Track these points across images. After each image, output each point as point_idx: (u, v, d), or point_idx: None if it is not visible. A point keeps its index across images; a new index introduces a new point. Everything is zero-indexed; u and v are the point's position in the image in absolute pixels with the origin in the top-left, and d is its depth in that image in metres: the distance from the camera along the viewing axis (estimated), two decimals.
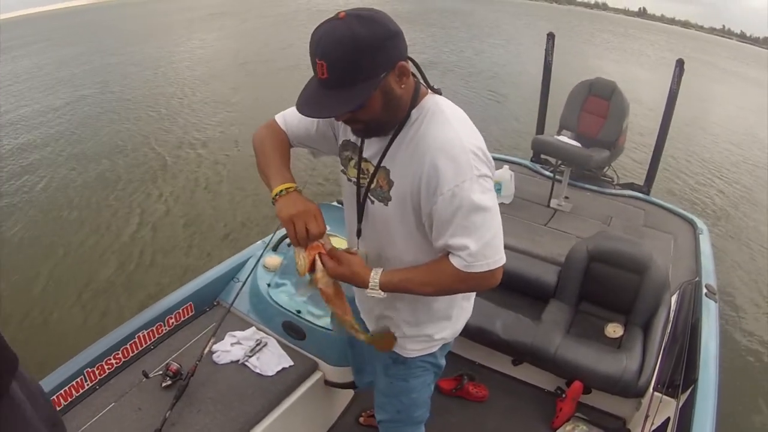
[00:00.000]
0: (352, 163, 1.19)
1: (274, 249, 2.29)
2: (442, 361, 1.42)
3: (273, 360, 1.92)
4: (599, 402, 2.24)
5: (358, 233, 1.23)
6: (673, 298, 2.38)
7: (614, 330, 2.28)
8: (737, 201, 6.36)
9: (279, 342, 2.01)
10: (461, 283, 1.09)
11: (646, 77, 13.33)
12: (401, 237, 1.15)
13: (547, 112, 4.00)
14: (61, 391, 1.65)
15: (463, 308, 1.34)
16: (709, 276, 2.57)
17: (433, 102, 1.08)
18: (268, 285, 2.09)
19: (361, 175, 1.17)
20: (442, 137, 1.02)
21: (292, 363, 1.93)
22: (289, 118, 1.25)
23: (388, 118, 1.05)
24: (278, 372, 1.89)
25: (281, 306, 1.99)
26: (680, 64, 3.16)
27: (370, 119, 1.03)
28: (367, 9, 0.96)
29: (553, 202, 3.36)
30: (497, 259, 1.05)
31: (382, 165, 1.11)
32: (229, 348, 1.96)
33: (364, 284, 1.12)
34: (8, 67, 11.77)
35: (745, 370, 3.43)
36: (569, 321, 2.33)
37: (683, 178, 6.82)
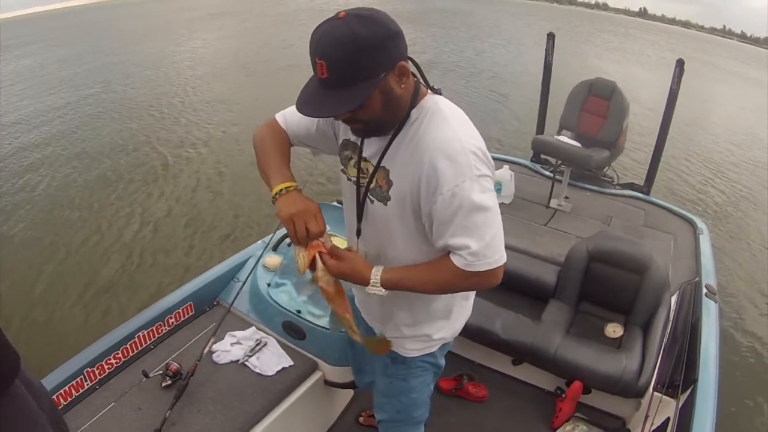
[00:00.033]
0: (352, 162, 1.19)
1: (274, 249, 2.29)
2: (442, 361, 1.42)
3: (273, 360, 1.92)
4: (599, 402, 2.24)
5: (358, 233, 1.23)
6: (673, 298, 2.38)
7: (614, 330, 2.28)
8: (737, 201, 6.36)
9: (279, 342, 2.01)
10: (462, 281, 1.09)
11: (646, 77, 13.33)
12: (400, 237, 1.15)
13: (548, 112, 4.00)
14: (61, 391, 1.65)
15: (462, 308, 1.34)
16: (709, 276, 2.57)
17: (432, 102, 1.08)
18: (268, 285, 2.09)
19: (361, 175, 1.17)
20: (441, 137, 1.02)
21: (292, 363, 1.93)
22: (290, 117, 1.25)
23: (388, 118, 1.05)
24: (278, 372, 1.89)
25: (281, 306, 1.99)
26: (680, 64, 3.16)
27: (369, 119, 1.03)
28: (368, 9, 0.96)
29: (553, 202, 3.36)
30: (498, 258, 1.05)
31: (381, 165, 1.11)
32: (229, 348, 1.96)
33: (365, 281, 1.12)
34: (9, 66, 11.78)
35: (745, 370, 3.43)
36: (569, 321, 2.33)
37: (684, 177, 6.82)
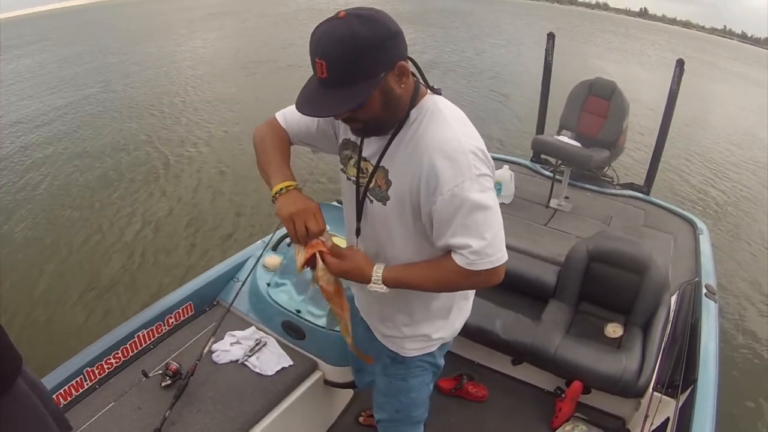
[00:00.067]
0: (352, 162, 1.19)
1: (274, 248, 2.29)
2: (441, 361, 1.42)
3: (272, 359, 1.92)
4: (599, 402, 2.24)
5: (357, 232, 1.23)
6: (673, 298, 2.38)
7: (614, 330, 2.28)
8: (738, 201, 6.36)
9: (279, 342, 2.01)
10: (464, 280, 1.09)
11: (647, 77, 13.34)
12: (400, 236, 1.15)
13: (548, 112, 4.00)
14: (61, 391, 1.66)
15: (461, 308, 1.34)
16: (708, 276, 2.57)
17: (432, 102, 1.08)
18: (268, 284, 2.09)
19: (361, 175, 1.17)
20: (440, 137, 1.02)
21: (291, 363, 1.93)
22: (290, 115, 1.25)
23: (388, 118, 1.05)
24: (278, 372, 1.89)
25: (281, 305, 1.99)
26: (680, 64, 3.16)
27: (369, 118, 1.03)
28: (368, 8, 0.95)
29: (553, 202, 3.36)
30: (500, 256, 1.06)
31: (380, 165, 1.11)
32: (228, 347, 1.96)
33: (367, 279, 1.12)
34: (9, 66, 11.78)
35: (745, 370, 3.43)
36: (569, 321, 2.33)
37: (685, 177, 6.82)
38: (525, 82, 10.30)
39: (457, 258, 1.06)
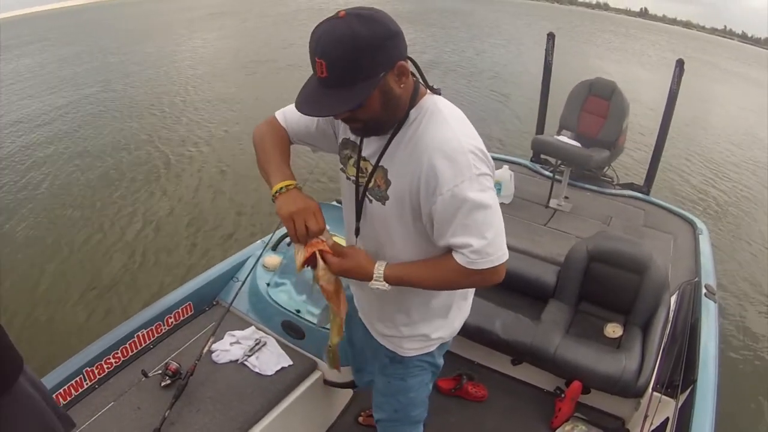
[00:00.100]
0: (351, 161, 1.19)
1: (274, 248, 2.29)
2: (440, 361, 1.42)
3: (272, 359, 1.92)
4: (598, 402, 2.24)
5: (357, 232, 1.23)
6: (673, 298, 2.38)
7: (613, 330, 2.28)
8: (738, 201, 6.36)
9: (278, 341, 2.01)
10: (465, 278, 1.10)
11: (647, 77, 13.34)
12: (399, 236, 1.15)
13: (548, 112, 4.00)
14: (60, 390, 1.66)
15: (460, 308, 1.34)
16: (708, 276, 2.57)
17: (431, 102, 1.08)
18: (268, 284, 2.09)
19: (360, 174, 1.17)
20: (440, 137, 1.02)
21: (291, 362, 1.93)
22: (289, 115, 1.25)
23: (387, 118, 1.05)
24: (277, 371, 1.89)
25: (280, 305, 1.99)
26: (680, 64, 3.16)
27: (368, 118, 1.03)
28: (368, 8, 0.95)
29: (553, 202, 3.36)
30: (500, 255, 1.06)
31: (380, 164, 1.11)
32: (228, 347, 1.96)
33: (368, 277, 1.12)
34: (9, 66, 11.79)
35: (744, 370, 3.43)
36: (569, 321, 2.33)
37: (685, 177, 6.82)
38: (525, 82, 10.31)
39: (458, 257, 1.06)
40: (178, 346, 1.97)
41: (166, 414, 1.62)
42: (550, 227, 3.12)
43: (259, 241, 2.42)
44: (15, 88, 9.82)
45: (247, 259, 2.31)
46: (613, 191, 3.61)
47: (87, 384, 1.74)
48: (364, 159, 1.15)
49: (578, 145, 3.42)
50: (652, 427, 1.79)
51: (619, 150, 3.63)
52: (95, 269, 4.13)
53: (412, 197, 1.07)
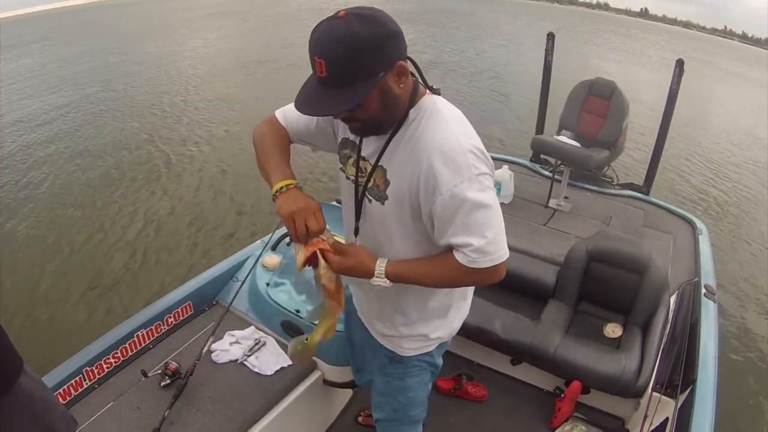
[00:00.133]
0: (351, 161, 1.19)
1: (273, 248, 2.29)
2: (439, 361, 1.43)
3: (272, 359, 1.92)
4: (598, 402, 2.23)
5: (356, 231, 1.23)
6: (672, 299, 2.38)
7: (613, 330, 2.28)
8: (738, 201, 6.36)
9: (278, 341, 2.01)
10: (466, 277, 1.10)
11: (647, 77, 13.34)
12: (398, 236, 1.15)
13: (548, 112, 4.00)
14: (60, 390, 1.66)
15: (459, 308, 1.34)
16: (708, 276, 2.57)
17: (431, 102, 1.08)
18: (267, 284, 2.09)
19: (359, 174, 1.17)
20: (439, 137, 1.02)
21: (290, 362, 1.93)
22: (289, 114, 1.25)
23: (386, 118, 1.05)
24: (277, 371, 1.89)
25: (280, 305, 1.99)
26: (680, 64, 3.16)
27: (368, 118, 1.03)
28: (368, 8, 0.95)
29: (553, 202, 3.36)
30: (501, 254, 1.06)
31: (379, 164, 1.11)
32: (228, 347, 1.96)
33: (370, 274, 1.13)
34: (10, 65, 11.79)
35: (744, 370, 3.43)
36: (568, 321, 2.33)
37: (686, 177, 6.82)
38: (525, 82, 10.31)
39: (458, 256, 1.06)
40: (178, 346, 1.97)
41: (166, 414, 1.62)
42: (550, 227, 3.12)
43: (258, 241, 2.42)
44: (15, 87, 9.83)
45: (247, 258, 2.31)
46: (613, 191, 3.61)
47: (87, 384, 1.74)
48: (364, 159, 1.15)
49: (578, 145, 3.42)
50: (652, 427, 1.79)
51: (619, 150, 3.63)
52: (96, 269, 4.13)
53: (412, 197, 1.07)
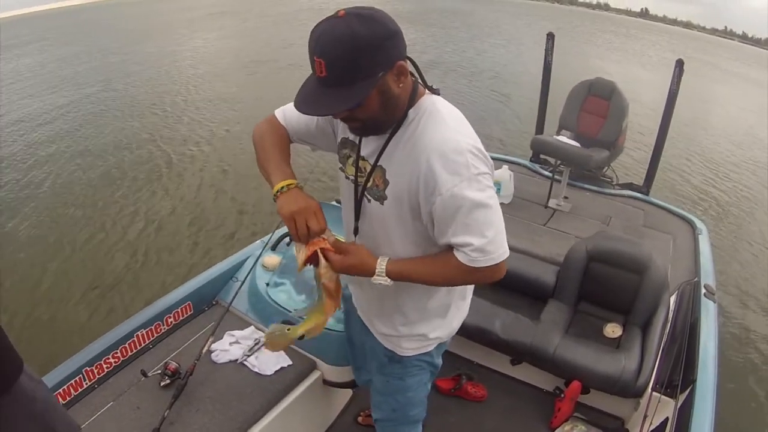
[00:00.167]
0: (350, 160, 1.20)
1: (273, 248, 2.29)
2: (438, 360, 1.43)
3: (271, 359, 1.92)
4: (598, 402, 2.24)
5: (355, 231, 1.23)
6: (672, 299, 2.38)
7: (613, 330, 2.28)
8: (739, 201, 6.36)
9: None
10: (466, 275, 1.10)
11: (647, 78, 13.35)
12: (397, 236, 1.15)
13: (547, 112, 4.00)
14: (60, 390, 1.65)
15: (458, 307, 1.34)
16: (708, 276, 2.57)
17: (430, 102, 1.08)
18: (267, 284, 2.09)
19: (359, 174, 1.17)
20: (439, 137, 1.02)
21: (290, 362, 1.93)
22: (289, 113, 1.25)
23: (386, 117, 1.05)
24: (277, 371, 1.89)
25: (280, 305, 1.99)
26: (680, 64, 3.16)
27: (367, 118, 1.03)
28: (367, 8, 0.95)
29: (552, 202, 3.36)
30: (501, 253, 1.06)
31: (378, 164, 1.11)
32: (227, 347, 1.95)
33: (370, 272, 1.13)
34: (10, 65, 11.79)
35: (744, 370, 3.43)
36: (568, 321, 2.33)
37: (686, 177, 6.83)
38: (525, 82, 10.31)
39: (459, 255, 1.06)
40: (178, 346, 1.96)
41: (166, 414, 1.62)
42: (550, 227, 3.12)
43: (258, 241, 2.42)
44: (16, 87, 9.82)
45: (247, 258, 2.31)
46: (613, 191, 3.61)
47: (86, 384, 1.74)
48: (363, 158, 1.15)
49: (578, 145, 3.42)
50: (652, 427, 1.79)
51: (619, 150, 3.63)
52: (97, 268, 4.13)
53: (411, 197, 1.07)
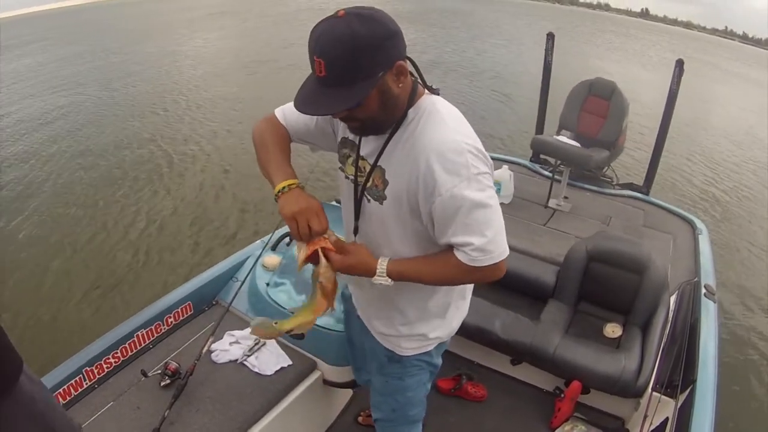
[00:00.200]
0: (350, 160, 1.20)
1: (273, 248, 2.29)
2: (438, 360, 1.42)
3: (272, 359, 1.92)
4: (598, 402, 2.23)
5: (355, 231, 1.23)
6: (672, 299, 2.38)
7: (613, 330, 2.28)
8: (740, 201, 6.36)
9: (278, 341, 2.01)
10: (467, 275, 1.11)
11: (648, 78, 13.35)
12: (397, 236, 1.16)
13: (547, 111, 4.00)
14: (60, 390, 1.65)
15: (458, 307, 1.34)
16: (708, 276, 2.57)
17: (429, 102, 1.08)
18: (267, 284, 2.09)
19: (359, 173, 1.17)
20: (438, 138, 1.02)
21: (290, 362, 1.93)
22: (289, 112, 1.25)
23: (385, 117, 1.05)
24: (277, 371, 1.89)
25: (280, 305, 1.99)
26: (680, 64, 3.16)
27: (366, 118, 1.03)
28: (367, 7, 0.95)
29: (552, 202, 3.36)
30: (501, 252, 1.06)
31: (378, 164, 1.11)
32: (227, 347, 1.96)
33: (371, 272, 1.13)
34: (10, 65, 11.80)
35: (744, 370, 3.43)
36: (568, 321, 2.33)
37: (687, 177, 6.82)
38: (525, 82, 10.31)
39: (459, 255, 1.07)
40: (178, 346, 1.96)
41: (166, 414, 1.62)
42: (550, 227, 3.12)
43: (258, 241, 2.42)
44: (16, 87, 9.83)
45: (247, 258, 2.31)
46: (613, 191, 3.61)
47: (86, 384, 1.74)
48: (363, 158, 1.15)
49: (578, 145, 3.42)
50: (652, 427, 1.79)
51: (619, 150, 3.63)
52: (99, 268, 4.13)
53: (410, 197, 1.07)
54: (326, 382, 2.01)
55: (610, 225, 3.19)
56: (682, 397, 1.84)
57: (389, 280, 1.13)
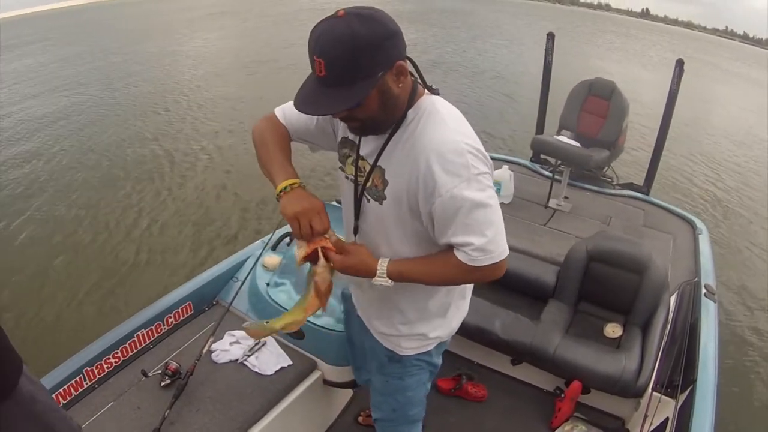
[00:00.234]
0: (350, 160, 1.20)
1: (274, 248, 2.29)
2: (438, 360, 1.43)
3: (272, 359, 1.92)
4: (598, 402, 2.23)
5: (355, 230, 1.23)
6: (672, 299, 2.38)
7: (613, 330, 2.28)
8: (740, 200, 6.36)
9: (278, 341, 2.01)
10: (467, 275, 1.11)
11: (648, 78, 13.34)
12: (396, 236, 1.16)
13: (548, 111, 4.00)
14: (60, 390, 1.66)
15: (458, 307, 1.34)
16: (708, 276, 2.56)
17: (429, 102, 1.08)
18: (267, 284, 2.09)
19: (359, 173, 1.17)
20: (438, 138, 1.02)
21: (290, 362, 1.93)
22: (289, 112, 1.25)
23: (385, 117, 1.05)
24: (277, 371, 1.89)
25: (280, 305, 1.99)
26: (680, 64, 3.16)
27: (366, 117, 1.03)
28: (367, 7, 0.95)
29: (553, 202, 3.36)
30: (501, 252, 1.07)
31: (377, 164, 1.11)
32: (228, 347, 1.96)
33: (371, 273, 1.13)
34: (11, 65, 11.80)
35: (744, 370, 3.43)
36: (568, 321, 2.33)
37: (688, 177, 6.82)
38: (526, 82, 10.31)
39: (459, 255, 1.07)
40: (178, 346, 1.97)
41: (166, 414, 1.63)
42: (550, 227, 3.12)
43: (258, 241, 2.42)
44: (17, 87, 9.83)
45: (247, 258, 2.31)
46: (613, 191, 3.61)
47: (87, 384, 1.75)
48: (363, 158, 1.15)
49: (578, 145, 3.41)
50: (652, 427, 1.79)
51: (619, 150, 3.63)
52: (101, 269, 4.13)
53: (410, 197, 1.07)
54: (326, 382, 2.01)
55: (610, 225, 3.19)
56: (682, 397, 1.84)
57: (389, 281, 1.13)
